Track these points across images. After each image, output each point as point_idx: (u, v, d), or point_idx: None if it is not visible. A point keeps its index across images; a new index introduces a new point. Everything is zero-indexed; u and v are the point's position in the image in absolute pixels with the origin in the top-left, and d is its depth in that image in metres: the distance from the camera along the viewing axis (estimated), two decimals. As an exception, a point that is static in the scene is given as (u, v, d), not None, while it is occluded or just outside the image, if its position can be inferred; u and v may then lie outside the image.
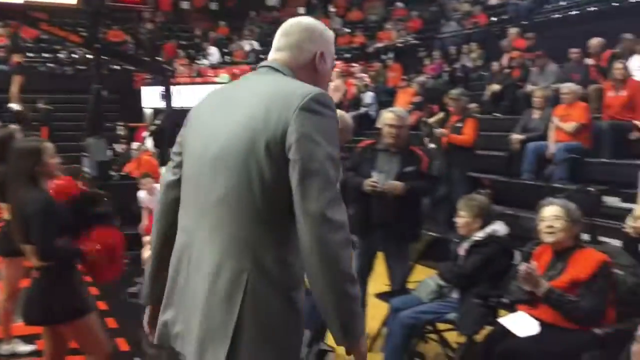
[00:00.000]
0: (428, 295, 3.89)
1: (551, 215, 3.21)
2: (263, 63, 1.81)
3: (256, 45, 17.91)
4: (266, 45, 18.99)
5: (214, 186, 1.66)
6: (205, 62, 17.21)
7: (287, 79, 1.73)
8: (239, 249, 1.60)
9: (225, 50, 18.13)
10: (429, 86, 11.88)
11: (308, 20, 1.85)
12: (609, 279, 3.03)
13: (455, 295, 3.88)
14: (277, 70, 1.77)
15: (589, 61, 8.88)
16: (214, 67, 17.09)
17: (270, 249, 1.61)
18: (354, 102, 11.82)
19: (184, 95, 9.36)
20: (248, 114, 1.63)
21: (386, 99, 13.16)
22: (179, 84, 10.66)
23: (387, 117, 4.32)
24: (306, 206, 1.53)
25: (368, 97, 12.06)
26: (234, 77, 16.50)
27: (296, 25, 1.82)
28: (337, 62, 17.19)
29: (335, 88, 12.99)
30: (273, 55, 1.81)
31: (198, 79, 16.15)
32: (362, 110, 11.84)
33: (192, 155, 1.76)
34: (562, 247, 3.14)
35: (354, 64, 16.05)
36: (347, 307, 1.54)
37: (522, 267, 3.01)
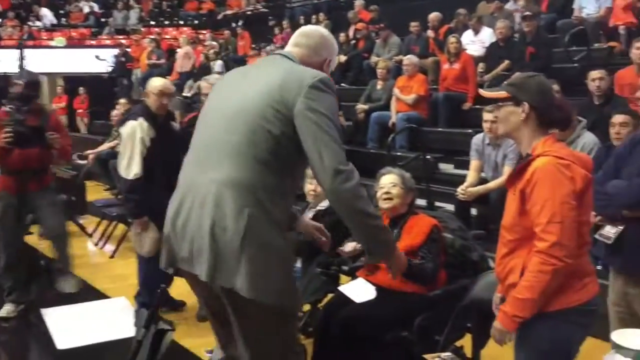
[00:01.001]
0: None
1: (388, 182, 3.27)
2: (281, 51, 2.25)
3: (96, 6, 16.70)
4: (107, 7, 17.85)
5: (228, 136, 2.05)
6: (38, 24, 15.76)
7: (301, 66, 2.15)
8: (242, 189, 1.99)
9: (62, 12, 16.72)
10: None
11: (326, 30, 2.36)
12: (440, 241, 3.15)
13: (298, 264, 3.88)
14: (292, 60, 2.18)
15: (429, 34, 9.27)
16: (47, 29, 15.70)
17: (267, 191, 2.01)
18: (202, 71, 11.42)
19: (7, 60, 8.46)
20: (268, 84, 2.06)
21: (235, 67, 12.90)
22: (4, 47, 9.64)
23: (203, 86, 4.18)
24: (323, 164, 1.98)
25: (217, 65, 11.74)
26: (70, 40, 15.31)
27: (317, 31, 2.30)
28: (185, 29, 16.63)
29: (185, 55, 12.51)
30: (291, 49, 2.23)
31: (29, 42, 14.77)
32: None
33: (212, 112, 2.20)
34: (397, 214, 3.22)
35: (202, 31, 15.56)
36: (370, 236, 2.11)
37: (347, 248, 3.03)
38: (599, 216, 2.78)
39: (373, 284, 3.14)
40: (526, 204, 2.08)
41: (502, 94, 2.19)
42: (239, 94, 2.12)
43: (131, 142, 4.07)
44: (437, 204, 5.90)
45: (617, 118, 4.06)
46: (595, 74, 5.27)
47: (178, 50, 13.30)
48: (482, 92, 2.36)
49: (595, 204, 2.63)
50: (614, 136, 4.05)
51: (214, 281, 2.01)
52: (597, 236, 2.71)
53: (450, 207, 5.45)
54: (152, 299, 3.53)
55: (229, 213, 1.98)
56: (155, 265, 4.27)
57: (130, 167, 4.06)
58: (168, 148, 4.08)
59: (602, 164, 2.86)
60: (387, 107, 7.68)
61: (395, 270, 2.32)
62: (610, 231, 2.66)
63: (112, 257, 6.23)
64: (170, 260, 2.18)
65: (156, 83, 4.25)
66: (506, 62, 7.48)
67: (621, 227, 2.65)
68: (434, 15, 9.35)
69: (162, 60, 13.47)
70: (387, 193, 3.24)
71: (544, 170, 2.04)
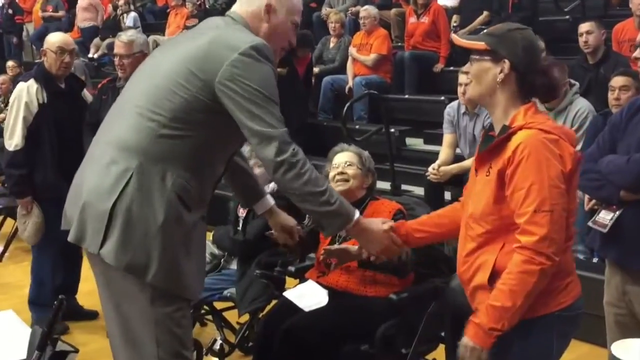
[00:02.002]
0: (200, 269, 3.81)
1: (342, 162, 3.26)
2: (228, 12, 2.41)
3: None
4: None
5: (135, 95, 2.27)
6: None
7: (237, 28, 2.32)
8: (131, 153, 2.17)
9: None
10: (209, 6, 11.61)
11: None
12: None
13: (234, 266, 3.84)
14: (234, 20, 2.35)
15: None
16: None
17: (162, 157, 2.17)
18: (111, 25, 11.17)
19: None
20: (192, 45, 2.25)
21: (154, 21, 12.69)
22: None
23: (117, 44, 4.15)
24: (261, 153, 2.18)
25: (130, 19, 11.49)
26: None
27: None
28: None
29: (90, 5, 12.18)
30: (235, 8, 2.40)
31: None
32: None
33: (132, 78, 2.45)
34: (353, 199, 3.21)
35: (111, -24, 15.12)
36: (323, 214, 2.30)
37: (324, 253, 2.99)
38: (592, 200, 2.82)
39: (325, 286, 3.12)
40: (506, 189, 2.05)
41: (479, 44, 2.15)
42: (166, 53, 2.35)
43: (16, 107, 4.12)
44: (404, 186, 5.94)
45: (617, 81, 4.13)
46: (583, 26, 5.38)
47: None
48: (455, 37, 2.31)
49: (588, 185, 2.66)
50: (612, 102, 4.13)
51: (80, 243, 2.21)
52: (590, 224, 2.73)
53: (420, 190, 5.50)
54: (46, 308, 3.46)
55: (108, 174, 2.18)
56: (48, 258, 4.31)
57: (12, 136, 4.10)
58: (65, 118, 4.15)
59: (598, 135, 2.88)
60: (342, 69, 7.66)
61: (365, 247, 2.52)
62: (605, 217, 2.68)
63: (-1, 260, 6.06)
64: (64, 224, 2.35)
65: (54, 38, 4.30)
66: (485, 13, 7.57)
67: (618, 213, 2.66)
68: (397, -43, 9.31)
69: (61, 12, 13.08)
70: (341, 174, 3.23)
71: (529, 146, 2.01)
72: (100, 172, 2.20)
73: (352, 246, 2.77)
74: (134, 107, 2.23)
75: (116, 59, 4.16)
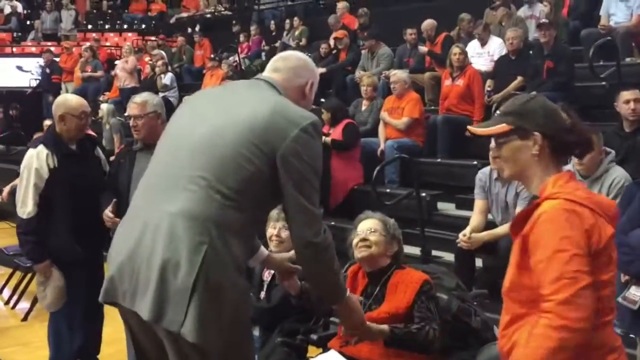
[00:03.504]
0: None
1: (366, 228, 3.23)
2: (260, 76, 2.54)
3: (20, 6, 16.70)
4: (34, 7, 17.84)
5: (190, 169, 2.24)
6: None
7: (290, 102, 2.38)
8: (198, 222, 2.16)
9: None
10: (245, 68, 11.84)
11: (302, 53, 2.68)
12: (436, 299, 3.09)
13: (256, 333, 3.77)
14: (272, 86, 2.43)
15: (422, 49, 9.29)
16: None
17: (226, 228, 2.18)
18: (148, 85, 11.41)
19: None
20: (250, 117, 2.27)
21: (191, 81, 12.96)
22: None
23: (129, 106, 4.16)
24: (297, 227, 2.30)
25: (167, 78, 11.74)
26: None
27: (294, 54, 2.62)
28: (130, 34, 16.66)
29: (129, 66, 12.48)
30: (270, 74, 2.50)
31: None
32: (160, 95, 11.47)
33: (172, 140, 2.41)
34: (377, 267, 3.17)
35: (151, 38, 15.62)
36: (331, 288, 2.46)
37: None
38: (622, 274, 2.74)
39: (348, 357, 3.06)
40: (530, 258, 2.01)
41: (501, 127, 2.12)
42: (209, 124, 2.33)
43: (26, 175, 4.11)
44: (434, 252, 5.86)
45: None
46: (628, 94, 5.30)
47: (119, 60, 13.30)
48: (472, 129, 2.29)
49: (618, 259, 2.58)
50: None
51: (159, 322, 2.15)
52: (619, 299, 2.64)
53: (450, 256, 5.41)
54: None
55: (183, 247, 2.14)
56: (64, 321, 4.29)
57: (25, 204, 4.09)
58: (78, 179, 4.10)
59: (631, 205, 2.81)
60: (374, 132, 7.68)
61: (344, 323, 2.65)
62: (636, 294, 2.60)
63: (24, 319, 6.08)
64: (108, 293, 2.30)
65: (74, 103, 4.29)
66: (519, 78, 7.55)
67: None
68: (427, 24, 9.27)
69: (100, 72, 13.47)
70: (364, 240, 3.21)
71: (551, 215, 1.97)
72: (173, 246, 2.15)
73: (374, 324, 2.79)
74: (198, 177, 2.22)
75: (130, 121, 4.15)
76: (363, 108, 7.98)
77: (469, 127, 2.39)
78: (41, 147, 4.11)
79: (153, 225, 2.21)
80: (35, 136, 8.29)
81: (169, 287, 2.13)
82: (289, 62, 2.52)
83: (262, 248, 2.88)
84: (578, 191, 2.06)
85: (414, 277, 3.13)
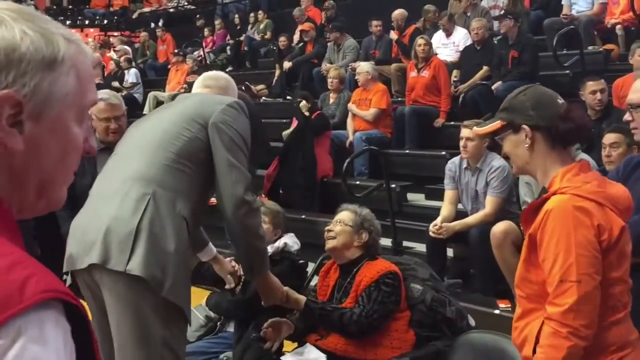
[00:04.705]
0: (195, 331, 3.77)
1: (334, 219, 3.25)
2: (193, 93, 2.96)
3: None
4: None
5: (141, 143, 2.59)
6: None
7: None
8: (147, 181, 2.45)
9: None
10: (210, 63, 11.77)
11: (225, 74, 3.11)
12: (394, 289, 3.09)
13: (231, 329, 3.77)
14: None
15: (392, 35, 9.32)
16: None
17: (173, 189, 2.46)
18: (112, 80, 11.28)
19: None
20: (187, 105, 2.72)
21: (155, 77, 12.83)
22: None
23: (102, 108, 3.79)
24: (231, 186, 2.51)
25: (131, 75, 11.61)
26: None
27: (221, 74, 3.04)
28: (92, 30, 16.44)
29: (93, 64, 12.30)
30: (201, 90, 2.88)
31: None
32: (124, 92, 11.35)
33: (125, 143, 2.74)
34: (346, 260, 3.18)
35: (113, 33, 15.42)
36: (262, 254, 2.70)
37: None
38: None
39: (324, 350, 3.08)
40: (537, 254, 2.00)
41: (496, 124, 2.15)
42: (159, 115, 2.78)
43: None
44: (406, 243, 5.87)
45: (608, 137, 4.12)
46: (594, 84, 5.37)
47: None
48: (476, 130, 2.36)
49: None
50: (605, 159, 4.10)
51: (106, 264, 2.34)
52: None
53: (422, 247, 5.43)
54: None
55: (128, 200, 2.41)
56: None
57: None
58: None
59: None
60: (342, 125, 7.69)
61: (266, 297, 2.85)
62: None
63: None
64: (67, 262, 2.50)
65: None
66: (484, 68, 7.62)
67: None
68: (398, 13, 9.29)
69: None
70: (328, 231, 3.23)
71: (557, 213, 1.96)
72: (119, 201, 2.42)
73: (294, 293, 3.06)
74: (145, 148, 2.55)
75: (110, 123, 3.79)
76: (331, 101, 7.98)
77: (475, 128, 2.45)
78: None
79: (100, 195, 2.54)
80: None
81: (114, 235, 2.36)
82: (219, 81, 2.91)
83: (211, 245, 3.11)
84: (587, 185, 2.02)
85: (378, 267, 3.14)
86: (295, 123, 7.46)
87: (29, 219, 0.99)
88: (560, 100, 2.12)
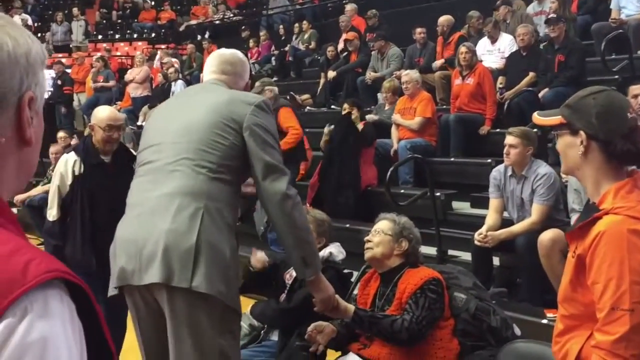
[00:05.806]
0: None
1: (373, 229, 3.23)
2: (209, 80, 2.86)
3: (30, 19, 16.82)
4: (44, 20, 17.95)
5: (173, 152, 2.58)
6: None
7: (237, 91, 2.82)
8: (196, 195, 2.48)
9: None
10: (254, 73, 11.86)
11: (241, 53, 3.05)
12: (438, 296, 3.06)
13: (274, 338, 3.78)
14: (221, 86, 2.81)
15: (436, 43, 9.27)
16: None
17: (217, 199, 2.51)
18: (160, 94, 11.44)
19: None
20: (212, 104, 2.65)
21: (202, 89, 12.93)
22: None
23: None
24: (271, 184, 2.53)
25: (178, 86, 11.75)
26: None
27: (237, 56, 2.94)
28: (140, 43, 16.73)
29: (140, 75, 12.52)
30: (219, 76, 2.83)
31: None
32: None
33: (155, 134, 2.73)
34: (386, 269, 3.16)
35: (161, 46, 15.67)
36: (312, 250, 2.65)
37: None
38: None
39: (367, 359, 3.05)
40: (586, 276, 1.92)
41: (555, 119, 2.05)
42: (180, 121, 2.66)
43: (54, 178, 4.17)
44: (451, 252, 5.82)
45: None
46: (636, 88, 5.25)
47: (131, 69, 13.35)
48: (535, 117, 2.16)
49: None
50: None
51: (170, 282, 2.39)
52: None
53: (467, 255, 5.37)
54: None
55: (182, 217, 2.44)
56: None
57: (51, 207, 4.12)
58: (103, 192, 4.00)
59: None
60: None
61: (319, 299, 2.74)
62: None
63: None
64: (120, 278, 2.53)
65: (102, 114, 4.15)
66: (531, 74, 7.51)
67: None
68: (444, 19, 9.17)
69: (112, 83, 13.50)
70: (367, 242, 3.23)
71: (610, 236, 1.86)
72: (172, 216, 2.45)
73: (343, 302, 2.94)
74: (182, 159, 2.54)
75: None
76: (387, 109, 7.96)
77: (534, 115, 2.18)
78: (72, 154, 4.15)
79: (148, 208, 2.52)
80: (50, 147, 8.35)
81: (174, 251, 2.40)
82: (235, 65, 2.88)
83: None
84: None
85: (421, 274, 3.12)
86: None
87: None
88: (631, 115, 1.97)
